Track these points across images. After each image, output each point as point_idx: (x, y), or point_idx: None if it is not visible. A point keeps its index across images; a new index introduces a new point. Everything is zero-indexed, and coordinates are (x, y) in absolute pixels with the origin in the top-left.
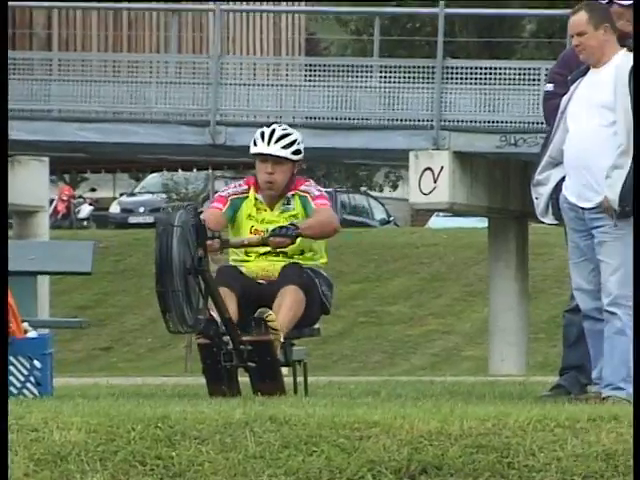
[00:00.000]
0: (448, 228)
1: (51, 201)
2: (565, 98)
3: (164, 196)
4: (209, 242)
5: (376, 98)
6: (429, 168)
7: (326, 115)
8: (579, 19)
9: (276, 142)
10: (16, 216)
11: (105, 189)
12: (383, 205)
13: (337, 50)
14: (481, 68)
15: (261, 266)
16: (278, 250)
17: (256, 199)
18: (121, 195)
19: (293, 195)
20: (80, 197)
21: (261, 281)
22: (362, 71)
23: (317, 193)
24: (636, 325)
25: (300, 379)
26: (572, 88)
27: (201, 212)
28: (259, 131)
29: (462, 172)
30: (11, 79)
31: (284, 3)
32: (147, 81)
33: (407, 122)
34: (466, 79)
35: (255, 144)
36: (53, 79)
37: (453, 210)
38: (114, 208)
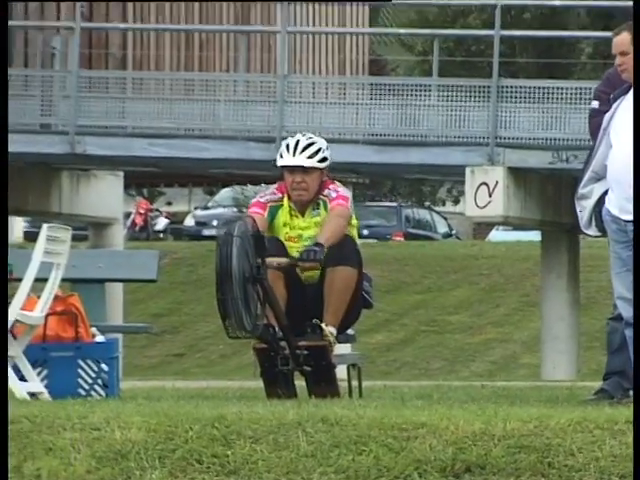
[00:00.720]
0: (507, 241)
1: (129, 214)
2: (607, 115)
3: (235, 210)
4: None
5: (434, 116)
6: (484, 183)
7: (387, 132)
8: (622, 39)
9: (301, 152)
10: (92, 227)
11: (181, 203)
12: (446, 219)
13: (404, 71)
14: (535, 88)
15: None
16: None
17: (290, 207)
18: (195, 209)
19: (319, 200)
20: (157, 210)
21: (309, 282)
22: (422, 90)
23: (334, 195)
24: (636, 325)
25: (355, 382)
26: (614, 106)
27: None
28: (284, 143)
29: (516, 187)
30: (87, 97)
31: (348, 25)
32: (217, 99)
33: (464, 139)
34: (521, 98)
35: (281, 156)
36: (127, 97)
37: (507, 223)
38: (189, 221)
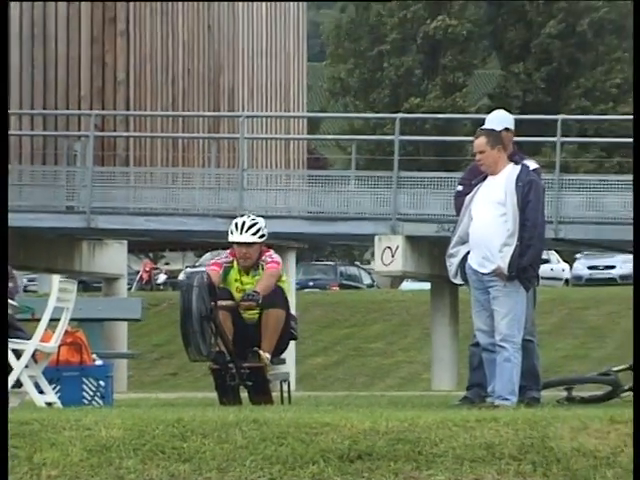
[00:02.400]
0: (413, 289)
1: (138, 272)
2: (469, 196)
3: None
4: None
5: (353, 198)
6: (388, 247)
7: (318, 210)
8: (479, 142)
9: (247, 231)
10: (104, 281)
11: (177, 263)
12: (370, 273)
13: (341, 166)
14: (426, 178)
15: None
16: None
17: (238, 268)
18: (186, 267)
19: (260, 263)
20: (158, 269)
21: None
22: (344, 179)
23: (269, 260)
24: (636, 325)
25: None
26: (475, 189)
27: (212, 282)
28: (233, 222)
29: (411, 250)
30: (99, 186)
31: (292, 133)
32: (194, 187)
33: (373, 215)
34: (415, 185)
35: (232, 233)
36: (130, 186)
37: (405, 276)
38: (182, 276)
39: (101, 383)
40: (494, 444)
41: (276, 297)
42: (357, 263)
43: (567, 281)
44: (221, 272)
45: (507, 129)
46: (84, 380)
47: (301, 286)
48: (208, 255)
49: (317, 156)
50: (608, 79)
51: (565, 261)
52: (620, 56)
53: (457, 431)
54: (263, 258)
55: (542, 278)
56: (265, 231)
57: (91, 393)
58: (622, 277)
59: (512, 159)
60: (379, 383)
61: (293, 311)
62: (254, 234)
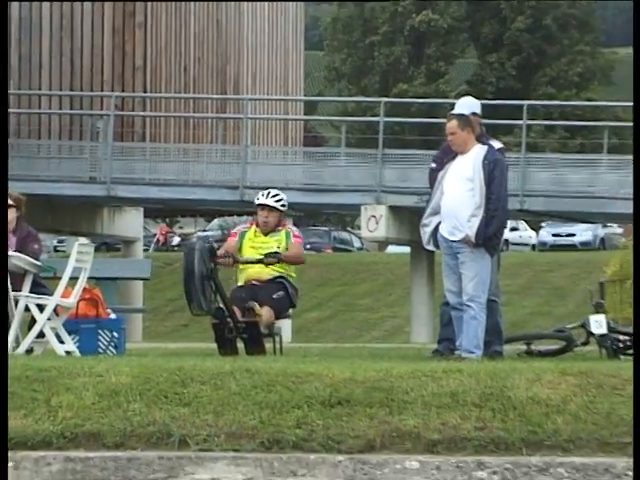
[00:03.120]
0: (397, 253)
1: (155, 235)
2: (441, 173)
3: (220, 232)
4: (225, 260)
5: (342, 172)
6: (373, 215)
7: (312, 182)
8: (451, 124)
9: (271, 197)
10: (123, 243)
11: (189, 227)
12: (360, 238)
13: (334, 142)
14: (407, 154)
15: (256, 271)
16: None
17: (255, 231)
18: (198, 231)
19: (280, 230)
20: (173, 232)
21: (254, 282)
22: (335, 156)
23: (296, 233)
24: (636, 323)
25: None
26: (447, 166)
27: (211, 241)
28: (261, 192)
29: (393, 218)
30: (118, 159)
31: (291, 113)
32: (203, 161)
33: (360, 187)
34: (398, 161)
35: (258, 198)
36: (145, 159)
37: (388, 242)
38: (194, 238)
39: (115, 334)
40: (458, 392)
41: (279, 287)
42: (349, 229)
43: (534, 246)
44: (237, 239)
45: (474, 113)
46: (99, 332)
47: None
48: (216, 221)
49: (315, 134)
50: (570, 69)
51: (532, 229)
52: (582, 48)
53: (426, 381)
54: (288, 227)
55: (512, 244)
56: (286, 202)
57: (106, 343)
58: (582, 243)
59: (479, 140)
60: (366, 335)
61: (292, 272)
62: (277, 201)
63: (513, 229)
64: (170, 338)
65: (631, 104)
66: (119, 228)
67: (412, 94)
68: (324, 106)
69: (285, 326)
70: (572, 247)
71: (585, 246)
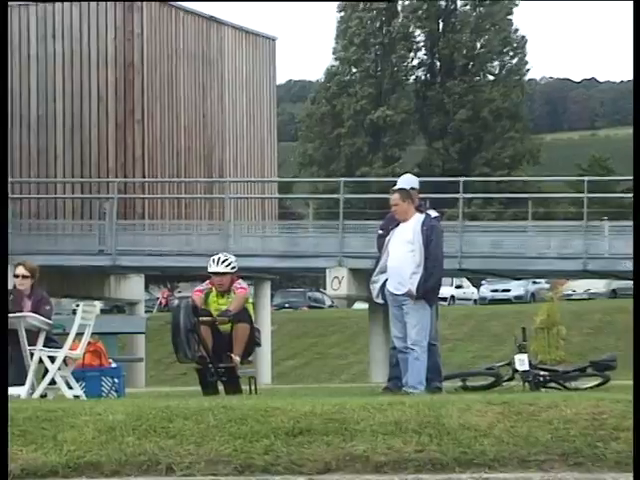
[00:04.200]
0: (362, 308)
1: (158, 298)
2: (387, 238)
3: None
4: (208, 319)
5: (311, 241)
6: (336, 276)
7: (285, 249)
8: (394, 197)
9: (222, 263)
10: (127, 305)
11: (187, 291)
12: (330, 298)
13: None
14: (363, 225)
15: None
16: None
17: (216, 292)
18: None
19: (232, 289)
20: (172, 295)
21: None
22: (304, 227)
23: (238, 287)
24: (636, 323)
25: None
26: (391, 232)
27: (195, 305)
28: (211, 258)
29: (353, 278)
30: (122, 234)
31: (267, 194)
32: (193, 234)
33: (325, 253)
34: (357, 231)
35: (210, 265)
36: (145, 234)
37: (349, 298)
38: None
39: (115, 380)
40: (401, 421)
41: (243, 315)
42: (321, 289)
43: (475, 301)
44: (202, 295)
45: (413, 188)
46: (102, 378)
47: (279, 307)
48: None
49: (291, 211)
50: (503, 152)
51: (474, 286)
52: (512, 135)
53: (374, 412)
54: (235, 285)
55: (457, 299)
56: (235, 264)
57: (108, 388)
58: (516, 297)
59: (418, 209)
60: (336, 378)
61: (270, 324)
62: (226, 266)
63: (458, 286)
64: (171, 384)
65: (553, 178)
66: (124, 292)
67: (372, 176)
68: (299, 186)
69: (266, 371)
70: (508, 301)
71: (519, 299)
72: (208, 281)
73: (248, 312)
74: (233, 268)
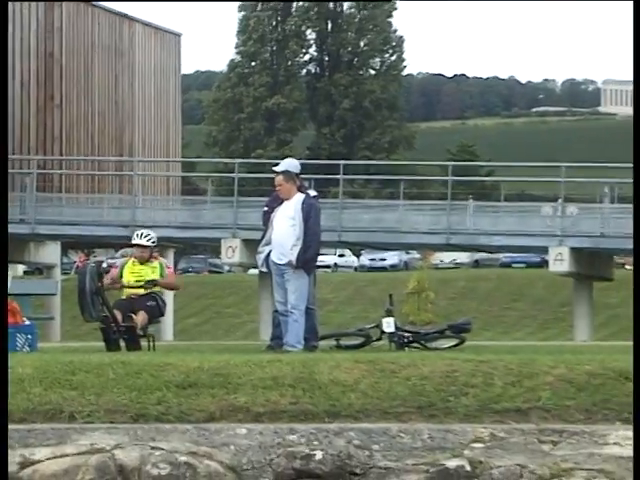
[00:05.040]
0: (256, 273)
1: (75, 261)
2: (272, 215)
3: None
4: (114, 285)
5: (209, 214)
6: (230, 246)
7: (186, 221)
8: (278, 179)
9: (144, 238)
10: (45, 268)
11: (102, 255)
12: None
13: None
14: (256, 201)
15: (134, 290)
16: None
17: (133, 261)
18: (107, 259)
19: (154, 261)
20: (88, 259)
21: (133, 297)
22: (204, 202)
23: (169, 265)
24: (636, 323)
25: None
26: (276, 209)
27: (102, 265)
28: (135, 233)
29: (245, 248)
30: (40, 206)
31: (171, 171)
32: (104, 207)
33: (222, 225)
34: (249, 205)
35: (134, 238)
36: (62, 205)
37: (242, 266)
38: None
39: (29, 337)
40: (278, 377)
41: (154, 297)
42: (220, 256)
43: (356, 268)
44: (118, 270)
45: (291, 170)
46: (17, 335)
47: (183, 271)
48: (122, 251)
49: (194, 187)
50: (382, 138)
51: (355, 255)
52: (391, 123)
53: (255, 368)
54: (160, 260)
55: (340, 266)
56: (155, 239)
57: (22, 343)
58: (391, 266)
59: (299, 189)
60: (232, 335)
61: (174, 290)
62: (148, 240)
63: (341, 255)
64: (84, 339)
65: (423, 162)
66: (42, 257)
67: (266, 157)
68: (204, 165)
69: (168, 329)
70: (384, 269)
71: (393, 268)
72: (131, 254)
73: (160, 294)
74: (153, 242)
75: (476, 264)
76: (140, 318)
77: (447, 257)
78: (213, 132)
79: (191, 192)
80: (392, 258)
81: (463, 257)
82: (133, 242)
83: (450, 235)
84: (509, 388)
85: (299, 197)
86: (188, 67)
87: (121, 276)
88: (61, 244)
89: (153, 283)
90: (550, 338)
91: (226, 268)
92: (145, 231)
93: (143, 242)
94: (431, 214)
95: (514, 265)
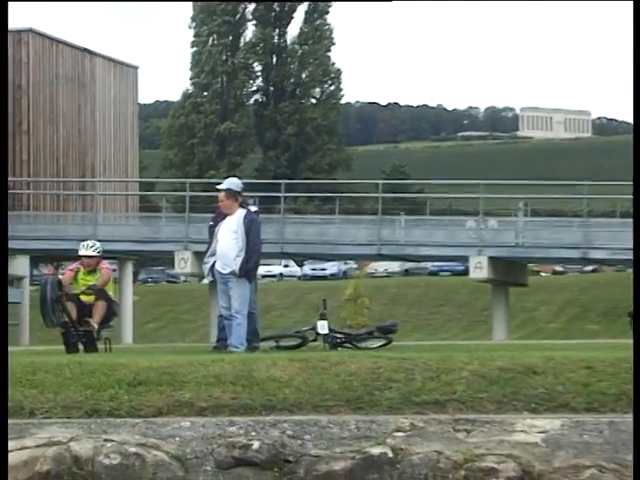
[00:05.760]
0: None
1: (44, 274)
2: (217, 229)
3: None
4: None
5: (164, 229)
6: (183, 258)
7: (144, 236)
8: (221, 196)
9: (90, 248)
10: (15, 279)
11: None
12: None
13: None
14: (206, 217)
15: (85, 298)
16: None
17: (82, 270)
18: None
19: (98, 269)
20: (56, 272)
21: (86, 303)
22: (159, 219)
23: (104, 266)
24: (636, 324)
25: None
26: (220, 223)
27: (60, 280)
28: (81, 244)
29: (197, 260)
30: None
31: (129, 191)
32: (69, 223)
33: (175, 239)
34: (200, 221)
35: (80, 249)
36: (30, 222)
37: (193, 276)
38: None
39: None
40: (220, 374)
41: (103, 293)
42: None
43: (299, 277)
44: (72, 274)
45: (232, 188)
46: None
47: (143, 281)
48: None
49: (151, 205)
50: (322, 160)
51: (298, 265)
52: (330, 147)
53: (199, 367)
54: (101, 265)
55: (285, 275)
56: (100, 249)
57: None
58: (331, 275)
59: (241, 205)
60: (187, 338)
61: (132, 296)
62: (93, 250)
63: (286, 266)
64: (52, 343)
65: (356, 181)
66: (12, 269)
67: (218, 178)
68: (162, 185)
69: (128, 333)
70: (324, 277)
71: (333, 276)
72: (78, 262)
73: (107, 291)
74: (98, 252)
75: (406, 273)
76: (96, 318)
77: (380, 266)
78: (169, 155)
79: (146, 210)
80: (332, 268)
81: (395, 266)
82: (80, 253)
83: (381, 246)
84: (428, 382)
85: (241, 212)
86: (148, 97)
87: (75, 280)
88: (30, 257)
89: (93, 288)
90: (473, 339)
91: (182, 278)
92: (91, 242)
93: (90, 252)
94: (365, 228)
95: (441, 273)
